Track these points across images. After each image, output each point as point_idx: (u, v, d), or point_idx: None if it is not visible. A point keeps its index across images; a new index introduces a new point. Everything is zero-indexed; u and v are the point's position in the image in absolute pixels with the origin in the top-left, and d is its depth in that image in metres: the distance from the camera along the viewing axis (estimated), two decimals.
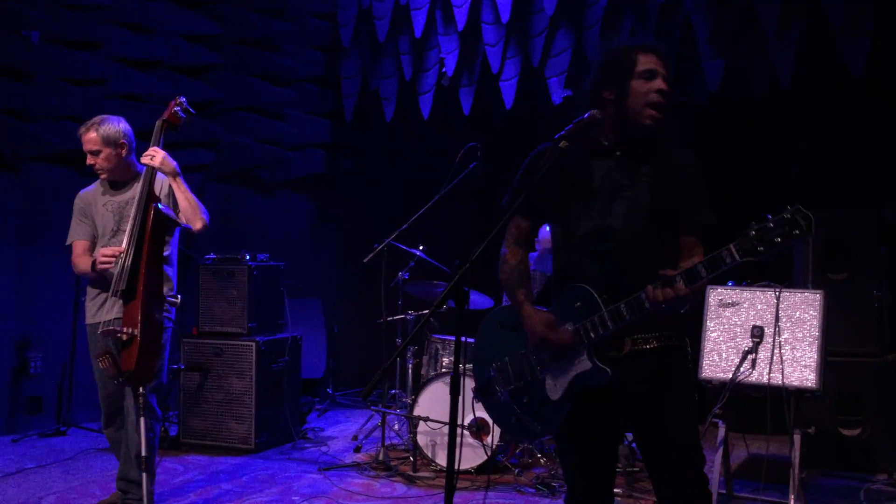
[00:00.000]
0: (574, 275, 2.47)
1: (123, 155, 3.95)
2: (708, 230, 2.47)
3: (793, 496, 4.09)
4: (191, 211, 3.92)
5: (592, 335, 2.37)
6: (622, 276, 2.38)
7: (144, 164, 3.81)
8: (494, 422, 2.69)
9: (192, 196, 3.94)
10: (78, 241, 3.99)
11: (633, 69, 2.43)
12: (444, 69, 6.92)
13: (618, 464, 4.50)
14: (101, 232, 3.97)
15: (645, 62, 2.44)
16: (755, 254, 2.09)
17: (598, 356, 2.39)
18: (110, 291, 3.73)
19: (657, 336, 2.42)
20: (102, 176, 3.98)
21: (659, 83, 2.42)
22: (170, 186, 3.98)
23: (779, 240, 2.06)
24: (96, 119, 3.94)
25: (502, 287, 2.67)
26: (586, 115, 2.46)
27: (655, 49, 2.48)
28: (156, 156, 3.82)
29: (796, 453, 4.20)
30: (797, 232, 2.04)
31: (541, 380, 2.51)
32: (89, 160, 3.93)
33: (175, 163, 3.89)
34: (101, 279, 3.89)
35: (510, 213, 2.50)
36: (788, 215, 2.05)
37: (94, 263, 3.80)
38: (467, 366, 4.83)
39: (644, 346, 2.41)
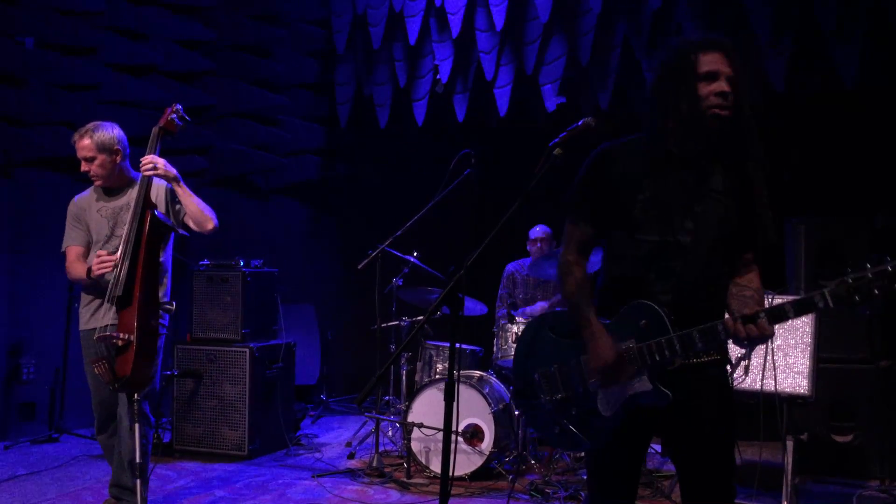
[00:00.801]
0: (637, 289, 2.36)
1: (118, 161, 3.95)
2: (769, 249, 2.41)
3: (786, 502, 4.10)
4: (200, 214, 3.93)
5: (658, 357, 2.27)
6: (690, 296, 2.30)
7: (146, 174, 3.80)
8: (532, 427, 2.63)
9: (198, 199, 3.96)
10: (72, 247, 3.99)
11: (694, 72, 2.29)
12: (438, 76, 6.94)
13: None
14: (95, 238, 3.97)
15: (706, 62, 2.28)
16: (851, 303, 2.02)
17: (662, 375, 2.30)
18: (105, 297, 3.73)
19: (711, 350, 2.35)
20: (97, 182, 3.98)
21: (720, 85, 2.26)
22: (165, 194, 3.98)
23: (877, 292, 2.00)
24: (90, 125, 3.94)
25: (565, 297, 2.53)
26: (580, 123, 2.45)
27: (719, 45, 2.31)
28: (158, 164, 3.82)
29: (789, 459, 4.21)
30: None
31: (592, 393, 2.40)
32: (84, 166, 3.93)
33: (175, 170, 3.90)
34: (95, 285, 3.88)
35: (574, 220, 2.41)
36: (890, 268, 1.99)
37: (89, 270, 3.80)
38: (461, 372, 4.83)
39: (694, 360, 2.33)
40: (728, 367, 2.47)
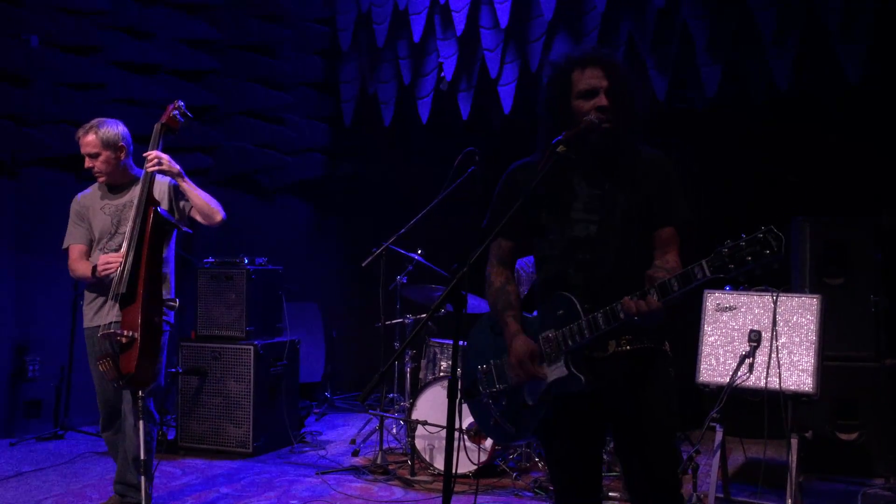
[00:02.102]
0: (560, 284, 2.50)
1: (122, 158, 3.96)
2: (685, 225, 2.49)
3: (790, 500, 4.10)
4: (207, 207, 3.96)
5: (570, 343, 2.40)
6: (605, 284, 2.41)
7: (151, 171, 3.82)
8: (476, 422, 2.73)
9: (203, 193, 3.99)
10: (74, 246, 4.00)
11: (570, 91, 2.43)
12: (442, 74, 6.94)
13: (615, 468, 4.53)
14: (98, 235, 3.98)
15: (582, 80, 2.42)
16: (726, 271, 2.12)
17: (577, 360, 2.41)
18: (109, 295, 3.74)
19: (630, 339, 2.45)
20: (100, 179, 3.99)
21: (599, 100, 2.39)
22: (169, 190, 4.00)
23: (749, 258, 2.09)
24: (95, 122, 3.95)
25: (489, 306, 2.70)
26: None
27: (597, 60, 2.44)
28: (162, 160, 3.83)
29: (793, 457, 4.20)
30: (768, 252, 2.07)
31: (519, 384, 2.55)
32: (88, 163, 3.94)
33: (178, 165, 3.92)
34: (99, 283, 3.89)
35: (493, 235, 2.49)
36: (761, 235, 2.09)
37: (94, 269, 3.81)
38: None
39: (626, 348, 2.44)
40: (666, 353, 2.52)
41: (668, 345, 2.54)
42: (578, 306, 2.40)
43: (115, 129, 3.95)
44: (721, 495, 4.43)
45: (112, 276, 3.74)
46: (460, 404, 2.41)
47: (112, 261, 3.73)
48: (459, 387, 2.49)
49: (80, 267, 3.93)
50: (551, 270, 2.55)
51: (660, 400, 2.48)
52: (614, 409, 2.50)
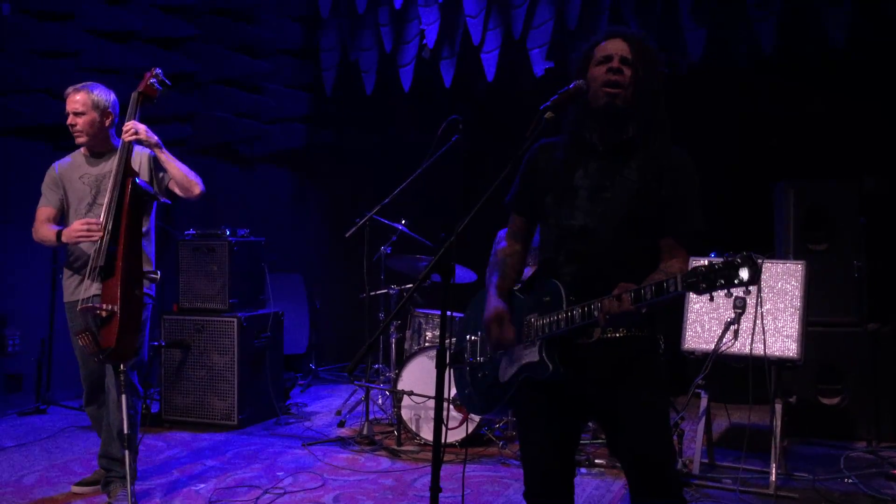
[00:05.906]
0: (554, 270, 2.46)
1: (106, 125, 3.90)
2: (695, 236, 2.43)
3: (774, 464, 4.14)
4: (185, 180, 3.91)
5: (546, 330, 2.38)
6: (596, 278, 2.35)
7: (128, 140, 3.74)
8: (455, 388, 2.75)
9: (181, 165, 3.93)
10: (42, 208, 3.92)
11: (590, 59, 2.43)
12: (424, 41, 6.85)
13: (601, 435, 4.55)
14: (76, 205, 3.90)
15: (602, 49, 2.41)
16: (697, 290, 2.12)
17: (552, 349, 2.39)
18: (88, 268, 3.67)
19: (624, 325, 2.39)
20: (79, 139, 3.90)
21: (612, 63, 2.37)
22: (148, 161, 3.93)
23: (721, 282, 2.09)
24: (88, 83, 3.93)
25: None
26: (571, 86, 2.42)
27: (619, 34, 2.43)
28: (139, 130, 3.76)
29: (777, 422, 4.24)
30: (737, 281, 2.07)
31: (497, 361, 2.55)
32: (70, 120, 3.87)
33: (156, 136, 3.85)
34: (75, 254, 3.83)
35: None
36: (739, 261, 2.07)
37: (59, 235, 3.74)
38: (452, 340, 4.82)
39: (613, 335, 2.38)
40: (656, 343, 2.47)
41: (662, 337, 2.47)
42: (564, 297, 2.37)
43: (106, 94, 3.93)
44: (706, 460, 4.47)
45: (83, 245, 3.67)
46: (449, 374, 2.38)
47: (93, 228, 3.65)
48: (448, 356, 2.48)
49: (43, 230, 3.85)
50: (546, 255, 2.51)
51: (651, 391, 2.40)
52: (599, 403, 2.42)
